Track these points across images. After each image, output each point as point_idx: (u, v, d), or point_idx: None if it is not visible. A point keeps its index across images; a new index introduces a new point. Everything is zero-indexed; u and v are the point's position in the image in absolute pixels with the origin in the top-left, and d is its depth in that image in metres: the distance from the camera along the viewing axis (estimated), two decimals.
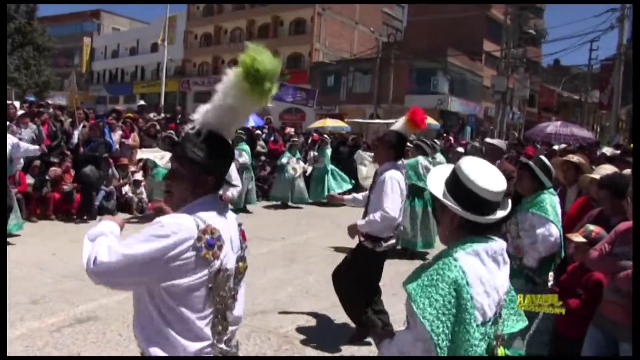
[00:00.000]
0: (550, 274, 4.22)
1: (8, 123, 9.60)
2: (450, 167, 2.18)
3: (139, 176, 11.37)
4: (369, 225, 4.63)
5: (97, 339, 4.61)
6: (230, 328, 2.11)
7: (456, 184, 2.05)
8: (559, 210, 4.19)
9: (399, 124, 4.99)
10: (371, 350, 4.79)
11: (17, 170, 8.71)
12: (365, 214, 4.79)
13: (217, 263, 1.98)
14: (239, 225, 2.21)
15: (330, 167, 14.05)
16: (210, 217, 2.01)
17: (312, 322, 5.39)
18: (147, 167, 11.21)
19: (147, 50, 52.38)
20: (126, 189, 11.15)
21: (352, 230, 4.76)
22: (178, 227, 1.93)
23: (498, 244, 2.05)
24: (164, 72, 34.23)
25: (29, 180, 9.92)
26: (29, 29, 29.48)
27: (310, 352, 4.68)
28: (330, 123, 21.76)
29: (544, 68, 49.25)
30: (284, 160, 13.29)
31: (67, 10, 59.65)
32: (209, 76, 46.87)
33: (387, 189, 4.53)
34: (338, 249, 8.85)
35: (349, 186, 13.75)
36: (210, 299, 2.00)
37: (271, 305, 5.84)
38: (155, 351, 1.97)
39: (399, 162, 4.84)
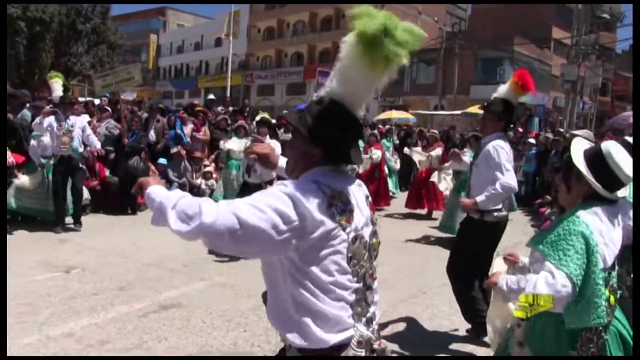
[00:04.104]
0: None
1: (89, 119, 10.09)
2: (586, 143, 2.53)
3: (209, 168, 11.58)
4: (491, 200, 4.34)
5: (182, 325, 4.75)
6: (372, 310, 1.93)
7: (602, 165, 2.38)
8: None
9: (503, 89, 4.58)
10: (466, 347, 4.75)
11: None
12: (469, 188, 4.65)
13: (352, 229, 1.79)
14: (367, 197, 1.97)
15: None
16: (332, 182, 1.80)
17: (390, 313, 5.35)
18: (220, 160, 11.40)
19: (212, 45, 53.48)
20: (199, 181, 11.37)
21: (468, 206, 4.45)
22: (304, 187, 1.75)
23: (613, 208, 2.42)
24: (229, 66, 34.79)
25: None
26: (103, 28, 30.62)
27: (390, 345, 4.67)
28: (395, 115, 21.47)
29: (618, 54, 46.99)
30: None
31: (135, 9, 61.67)
32: (272, 69, 47.47)
33: (496, 159, 4.33)
34: (409, 240, 8.82)
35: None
36: (352, 273, 1.81)
37: None
38: (294, 338, 1.79)
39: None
